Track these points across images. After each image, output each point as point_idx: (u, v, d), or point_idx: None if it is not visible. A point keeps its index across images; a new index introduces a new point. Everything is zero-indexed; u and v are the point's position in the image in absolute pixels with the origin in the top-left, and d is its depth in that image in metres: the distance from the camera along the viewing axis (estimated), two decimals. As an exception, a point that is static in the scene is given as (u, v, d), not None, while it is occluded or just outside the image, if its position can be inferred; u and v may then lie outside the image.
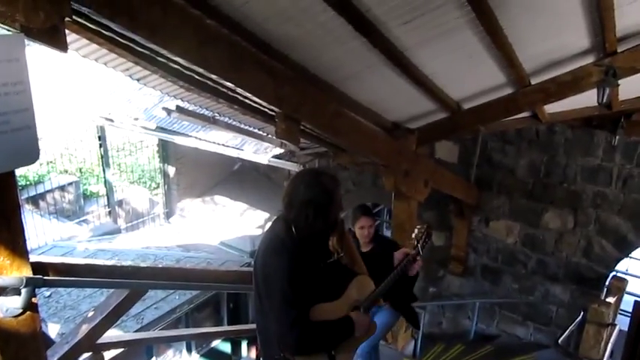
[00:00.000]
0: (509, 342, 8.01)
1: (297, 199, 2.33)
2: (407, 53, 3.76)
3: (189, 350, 8.72)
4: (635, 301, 2.97)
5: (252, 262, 2.53)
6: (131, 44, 3.03)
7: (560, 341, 4.76)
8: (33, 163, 2.30)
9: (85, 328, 2.93)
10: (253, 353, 9.63)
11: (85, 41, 3.47)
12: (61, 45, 2.16)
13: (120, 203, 11.91)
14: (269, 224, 2.55)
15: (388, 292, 2.68)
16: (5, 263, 2.27)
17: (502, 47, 3.75)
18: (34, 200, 11.08)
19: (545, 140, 6.89)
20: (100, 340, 3.02)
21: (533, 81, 4.67)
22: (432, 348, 8.11)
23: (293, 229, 2.36)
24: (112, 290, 3.18)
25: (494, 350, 7.81)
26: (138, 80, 4.37)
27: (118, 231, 10.77)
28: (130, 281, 2.89)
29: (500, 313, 8.14)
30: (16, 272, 2.32)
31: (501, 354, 7.58)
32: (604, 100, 4.48)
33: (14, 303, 2.34)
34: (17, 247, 2.32)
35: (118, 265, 2.95)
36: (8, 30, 2.05)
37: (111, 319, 3.00)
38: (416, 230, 2.78)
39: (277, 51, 3.42)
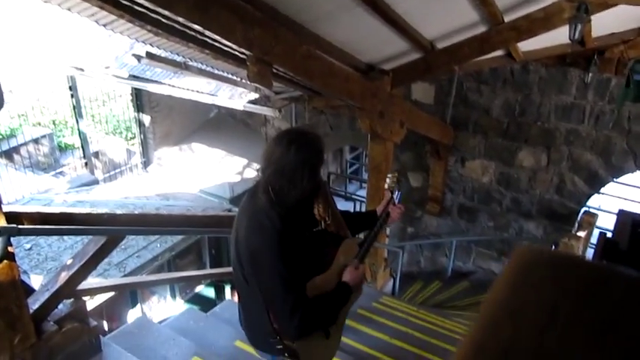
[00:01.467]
0: (485, 277, 8.28)
1: (289, 164, 2.10)
2: (379, -8, 3.71)
3: (173, 296, 8.85)
4: (600, 232, 3.07)
5: (232, 235, 2.33)
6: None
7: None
8: (-2, 111, 2.26)
9: (64, 276, 2.95)
10: (237, 296, 9.82)
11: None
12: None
13: (96, 154, 11.76)
14: (245, 197, 2.37)
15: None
16: (-22, 214, 2.27)
17: (474, -17, 3.72)
18: (8, 154, 10.89)
19: (519, 79, 6.91)
20: (80, 287, 3.06)
21: (507, 18, 4.65)
22: (410, 286, 8.37)
23: (275, 200, 2.17)
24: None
25: (470, 285, 8.09)
26: (104, 26, 4.24)
27: (95, 182, 10.67)
28: (106, 227, 2.91)
29: (476, 250, 8.38)
30: (-11, 222, 2.32)
31: (477, 289, 7.86)
32: (576, 37, 4.48)
33: (-10, 250, 2.35)
34: (-10, 197, 2.31)
35: (94, 212, 2.95)
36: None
37: (90, 266, 3.03)
38: (388, 180, 2.72)
39: (246, -8, 3.35)
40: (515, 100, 7.06)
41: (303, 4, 3.69)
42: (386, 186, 2.75)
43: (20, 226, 2.42)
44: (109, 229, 2.93)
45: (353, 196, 13.17)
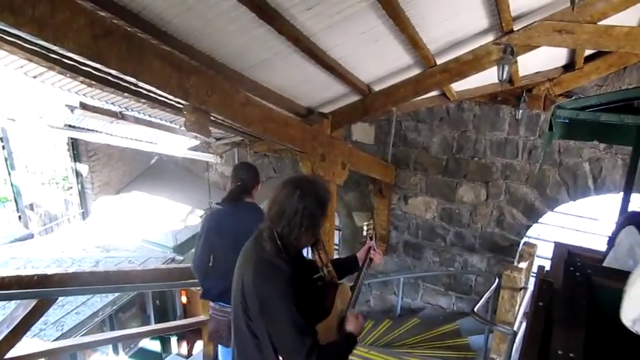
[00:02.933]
0: (434, 313, 8.33)
1: (290, 206, 2.19)
2: (313, 39, 3.77)
3: (115, 352, 8.47)
4: (539, 265, 3.15)
5: (235, 284, 2.32)
6: (18, 41, 2.85)
7: (476, 309, 4.97)
8: None
9: (-10, 344, 2.76)
10: (184, 348, 9.48)
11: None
12: None
13: (31, 206, 11.28)
14: (248, 242, 2.37)
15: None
16: None
17: (405, 30, 3.83)
18: None
19: (455, 117, 7.15)
20: (8, 355, 2.86)
21: (439, 61, 4.82)
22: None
23: (281, 246, 2.21)
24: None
25: (420, 322, 8.11)
26: (34, 77, 4.12)
27: (30, 236, 10.21)
28: (36, 290, 2.75)
29: (424, 286, 8.44)
30: None
31: (427, 325, 7.88)
32: (504, 77, 4.69)
33: None
34: None
35: (23, 275, 2.79)
36: None
37: (19, 331, 2.85)
38: (365, 227, 2.75)
39: (180, 41, 3.33)
40: (452, 137, 7.28)
41: (239, 52, 3.71)
42: (364, 233, 2.75)
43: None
44: (39, 292, 2.77)
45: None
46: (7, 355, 2.89)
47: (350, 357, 2.36)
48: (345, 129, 7.35)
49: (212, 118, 3.77)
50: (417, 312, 8.52)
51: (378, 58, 4.71)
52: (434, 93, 6.09)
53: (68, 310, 7.48)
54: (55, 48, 2.62)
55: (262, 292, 2.16)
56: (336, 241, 9.00)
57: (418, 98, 5.70)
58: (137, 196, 10.20)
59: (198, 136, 5.28)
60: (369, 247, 2.71)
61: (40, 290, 2.81)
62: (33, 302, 2.81)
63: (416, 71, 5.01)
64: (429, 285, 8.39)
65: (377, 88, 5.27)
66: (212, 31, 3.35)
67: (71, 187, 11.21)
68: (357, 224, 8.47)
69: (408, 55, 4.55)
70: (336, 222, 8.40)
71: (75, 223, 10.62)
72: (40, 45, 2.81)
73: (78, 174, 10.39)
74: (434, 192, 7.71)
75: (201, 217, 8.64)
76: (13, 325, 2.79)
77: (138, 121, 5.50)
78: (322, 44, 3.90)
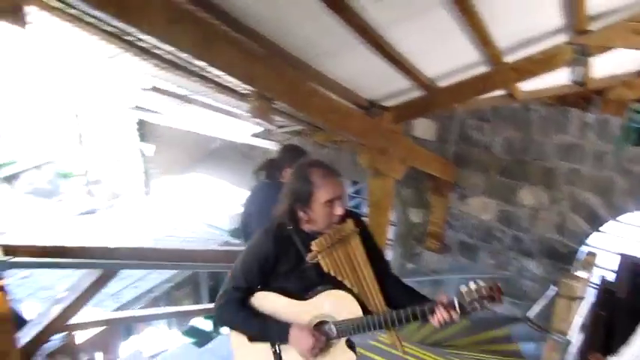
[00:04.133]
0: (485, 316, 8.17)
1: (287, 182, 2.33)
2: (381, 31, 3.75)
3: (169, 327, 8.75)
4: (601, 275, 3.05)
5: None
6: (99, 23, 2.98)
7: (530, 315, 4.85)
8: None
9: (56, 309, 2.93)
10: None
11: (51, 21, 3.40)
12: (20, 21, 2.12)
13: (97, 182, 11.81)
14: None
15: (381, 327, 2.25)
16: (-28, 244, 2.26)
17: (475, 26, 3.76)
18: (10, 180, 10.94)
19: (520, 118, 6.95)
20: (72, 321, 3.02)
21: (507, 59, 4.70)
22: (408, 326, 8.24)
23: (294, 221, 2.29)
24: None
25: (470, 324, 7.96)
26: (109, 59, 4.30)
27: (95, 210, 10.69)
28: (101, 261, 2.89)
29: (477, 288, 8.27)
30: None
31: (476, 328, 7.73)
32: (576, 79, 4.53)
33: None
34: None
35: (90, 246, 2.94)
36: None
37: (83, 299, 3.01)
38: (473, 285, 2.20)
39: (250, 28, 3.38)
40: (516, 138, 7.09)
41: (307, 41, 3.74)
42: (466, 289, 2.23)
43: (13, 260, 2.41)
44: (104, 264, 2.91)
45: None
46: (71, 321, 3.05)
47: (398, 353, 2.32)
48: (406, 124, 7.29)
49: (276, 105, 3.84)
50: (467, 313, 8.37)
51: (445, 54, 4.64)
52: (499, 92, 5.94)
53: (127, 284, 7.81)
54: (131, 30, 2.74)
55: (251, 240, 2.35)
56: (391, 236, 8.95)
57: (483, 97, 5.58)
58: (197, 178, 10.47)
59: (261, 122, 5.39)
60: (450, 306, 2.23)
61: (106, 262, 2.96)
62: (98, 273, 2.96)
63: (483, 69, 4.90)
64: (482, 287, 8.22)
65: (441, 84, 5.19)
66: (281, 18, 3.39)
67: (136, 166, 11.65)
68: (412, 220, 8.40)
69: (476, 51, 4.45)
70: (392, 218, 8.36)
71: (137, 201, 11.03)
72: (117, 27, 2.95)
73: (143, 154, 10.77)
74: (493, 193, 7.54)
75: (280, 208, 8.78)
76: (79, 293, 2.95)
77: (204, 105, 5.64)
78: (389, 37, 3.88)
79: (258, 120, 3.70)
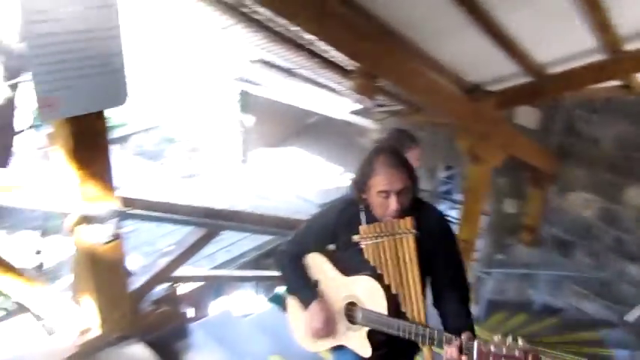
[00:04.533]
0: (577, 316, 7.85)
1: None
2: (492, 12, 3.66)
3: (256, 293, 9.11)
4: None
5: None
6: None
7: (629, 319, 4.61)
8: (121, 104, 2.48)
9: (163, 261, 3.17)
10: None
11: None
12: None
13: (198, 149, 12.38)
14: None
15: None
16: (97, 195, 2.49)
17: (595, 9, 3.57)
18: (120, 141, 11.72)
19: (636, 111, 6.52)
20: (175, 273, 3.26)
21: (628, 47, 4.43)
22: (493, 314, 8.08)
23: (358, 194, 2.26)
24: (188, 230, 3.41)
25: (558, 323, 7.69)
26: (222, 29, 4.49)
27: (195, 175, 11.24)
28: (206, 220, 3.08)
29: (569, 287, 7.95)
30: (105, 204, 2.54)
31: (565, 327, 7.45)
32: None
33: (103, 231, 2.57)
34: (108, 181, 2.53)
35: (197, 205, 3.14)
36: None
37: (187, 255, 3.23)
38: (496, 338, 1.87)
39: (360, 6, 3.43)
40: (629, 133, 6.66)
41: (415, 20, 3.72)
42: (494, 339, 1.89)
43: (132, 211, 2.63)
44: (209, 223, 3.10)
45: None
46: (174, 274, 3.29)
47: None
48: (508, 111, 7.06)
49: (379, 83, 3.87)
50: (556, 312, 8.08)
51: (558, 39, 4.43)
52: (614, 82, 5.60)
53: (220, 247, 8.21)
54: (247, 3, 2.86)
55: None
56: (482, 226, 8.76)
57: (595, 87, 5.30)
58: (293, 151, 10.72)
59: (363, 99, 5.43)
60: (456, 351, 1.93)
61: (209, 221, 3.15)
62: (202, 231, 3.17)
63: (597, 57, 4.64)
64: (574, 286, 7.88)
65: (551, 70, 4.97)
66: (392, -3, 3.40)
67: (235, 136, 12.09)
68: (506, 210, 8.17)
69: (592, 37, 4.23)
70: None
71: (234, 169, 11.47)
72: (235, -1, 3.09)
73: (243, 124, 11.15)
74: (597, 189, 7.15)
75: (350, 179, 8.87)
76: (184, 248, 3.17)
77: (307, 80, 5.76)
78: (500, 19, 3.78)
79: (359, 97, 3.74)
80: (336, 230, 2.30)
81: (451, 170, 14.03)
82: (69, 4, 2.07)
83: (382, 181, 2.10)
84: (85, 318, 2.82)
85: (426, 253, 2.17)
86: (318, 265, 2.37)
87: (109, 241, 2.58)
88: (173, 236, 7.85)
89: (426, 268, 2.19)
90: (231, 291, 9.06)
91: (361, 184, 2.18)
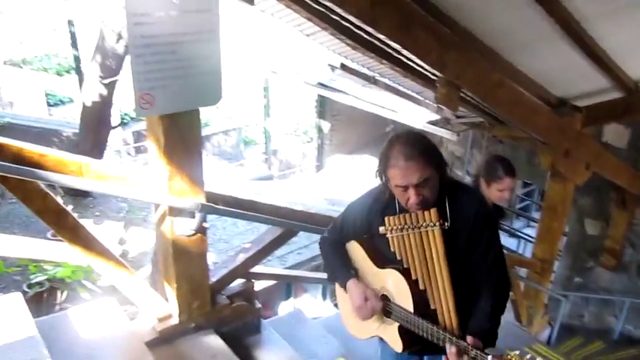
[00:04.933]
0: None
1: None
2: (584, 24, 3.54)
3: (324, 297, 9.19)
4: None
5: None
6: (308, 1, 3.22)
7: None
8: (215, 104, 2.61)
9: (241, 257, 3.28)
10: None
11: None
12: (250, -2, 2.39)
13: (275, 152, 12.64)
14: None
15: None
16: (185, 189, 2.62)
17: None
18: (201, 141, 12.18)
19: None
20: (252, 270, 3.36)
21: None
22: (568, 339, 7.75)
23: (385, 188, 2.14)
24: (263, 229, 3.52)
25: (637, 354, 7.27)
26: (308, 35, 4.60)
27: (270, 177, 11.48)
28: (285, 220, 3.17)
29: (655, 317, 7.52)
30: (192, 198, 2.66)
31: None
32: None
33: (189, 224, 2.70)
34: (196, 176, 2.66)
35: (276, 205, 3.24)
36: (205, -18, 2.30)
37: (263, 253, 3.33)
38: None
39: (446, 15, 3.41)
40: None
41: (502, 32, 3.67)
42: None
43: (217, 206, 2.75)
44: (287, 223, 3.19)
45: (518, 233, 12.54)
46: (251, 270, 3.40)
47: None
48: (595, 128, 6.78)
49: (461, 94, 3.84)
50: (636, 343, 7.64)
51: (655, 55, 4.24)
52: None
53: (292, 249, 8.34)
54: (338, 10, 2.93)
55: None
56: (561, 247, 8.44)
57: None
58: (368, 159, 10.73)
59: (442, 109, 5.39)
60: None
61: (287, 221, 3.23)
62: (279, 231, 3.26)
63: (700, 74, 4.40)
64: (659, 317, 7.45)
65: (645, 87, 4.75)
66: (478, 7, 3.37)
67: (311, 141, 12.27)
68: (587, 232, 7.83)
69: (694, 54, 4.02)
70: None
71: (309, 174, 11.63)
72: (324, 6, 3.16)
73: (319, 130, 11.31)
74: (690, 214, 6.74)
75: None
76: (261, 246, 3.28)
77: (387, 88, 5.78)
78: (593, 31, 3.65)
79: (441, 107, 3.73)
80: (370, 219, 2.20)
81: (530, 186, 13.61)
82: (171, 7, 2.20)
83: (398, 174, 1.94)
84: (165, 306, 2.97)
85: (460, 245, 2.04)
86: (355, 253, 2.30)
87: (193, 234, 2.71)
88: (247, 235, 8.08)
89: (461, 261, 2.05)
90: (300, 294, 9.19)
91: (382, 175, 2.03)
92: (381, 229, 2.11)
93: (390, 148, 1.96)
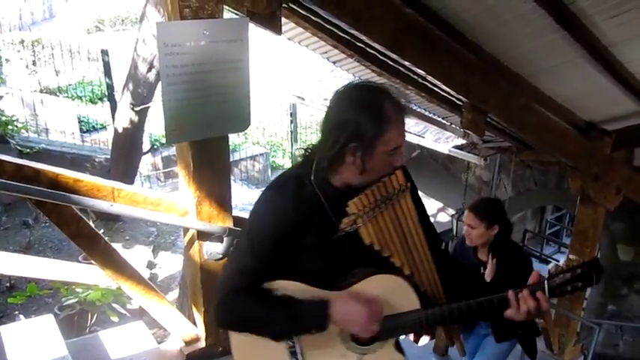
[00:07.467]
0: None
1: (330, 120, 1.61)
2: (612, 49, 3.53)
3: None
4: None
5: None
6: (334, 29, 3.29)
7: None
8: (244, 130, 2.67)
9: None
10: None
11: (291, 25, 3.83)
12: (277, 28, 2.46)
13: (301, 178, 12.69)
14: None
15: (465, 320, 1.62)
16: (213, 213, 2.67)
17: None
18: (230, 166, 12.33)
19: None
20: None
21: None
22: (603, 369, 7.53)
23: (314, 167, 1.63)
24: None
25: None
26: (334, 63, 4.67)
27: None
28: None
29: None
30: (220, 223, 2.71)
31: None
32: None
33: (217, 248, 2.74)
34: (224, 201, 2.71)
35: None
36: (236, 14, 2.39)
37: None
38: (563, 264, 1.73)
39: (470, 41, 3.44)
40: None
41: (527, 57, 3.67)
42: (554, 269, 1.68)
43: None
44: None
45: (549, 259, 12.33)
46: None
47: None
48: (627, 151, 6.67)
49: (488, 119, 3.84)
50: (677, 374, 7.40)
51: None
52: None
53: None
54: (362, 37, 2.98)
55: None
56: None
57: None
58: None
59: (469, 134, 5.38)
60: (539, 306, 1.56)
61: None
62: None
63: None
64: (699, 346, 7.20)
65: (678, 110, 4.68)
66: (503, 33, 3.39)
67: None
68: (620, 258, 7.66)
69: None
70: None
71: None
72: (350, 34, 3.23)
73: (346, 155, 11.34)
74: None
75: (451, 216, 8.72)
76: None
77: (413, 113, 5.81)
78: (621, 56, 3.62)
79: (467, 132, 3.74)
80: (300, 228, 1.58)
81: (560, 212, 13.39)
82: (202, 38, 2.28)
83: (396, 134, 1.59)
84: (193, 329, 3.00)
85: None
86: (292, 293, 1.59)
87: (221, 258, 2.74)
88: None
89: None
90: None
91: (364, 143, 1.53)
92: (346, 220, 1.60)
93: (383, 106, 1.57)
